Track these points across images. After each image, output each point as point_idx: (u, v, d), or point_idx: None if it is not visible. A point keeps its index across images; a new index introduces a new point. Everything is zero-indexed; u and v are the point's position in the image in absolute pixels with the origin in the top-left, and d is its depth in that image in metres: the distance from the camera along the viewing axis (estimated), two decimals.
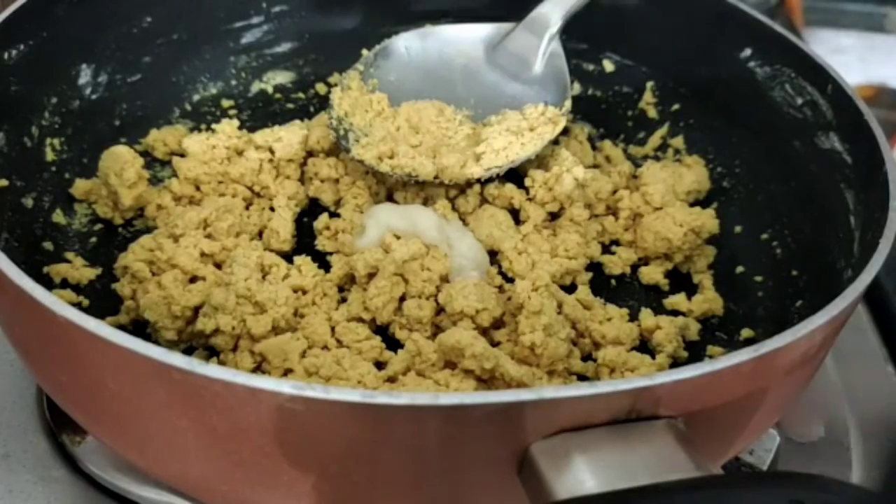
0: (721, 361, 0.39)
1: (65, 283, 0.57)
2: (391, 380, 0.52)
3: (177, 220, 0.57)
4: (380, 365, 0.54)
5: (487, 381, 0.51)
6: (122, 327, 0.51)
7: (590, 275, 0.61)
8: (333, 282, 0.58)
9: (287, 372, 0.52)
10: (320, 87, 0.74)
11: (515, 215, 0.63)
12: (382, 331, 0.56)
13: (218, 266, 0.57)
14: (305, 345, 0.53)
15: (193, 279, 0.56)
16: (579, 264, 0.61)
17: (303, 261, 0.58)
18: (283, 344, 0.51)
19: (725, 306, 0.60)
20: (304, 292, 0.56)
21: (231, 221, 0.59)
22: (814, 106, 0.60)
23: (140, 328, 0.55)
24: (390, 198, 0.64)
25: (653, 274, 0.62)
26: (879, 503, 0.36)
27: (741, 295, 0.61)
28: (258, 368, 0.52)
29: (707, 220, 0.61)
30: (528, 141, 0.63)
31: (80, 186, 0.62)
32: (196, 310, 0.54)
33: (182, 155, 0.65)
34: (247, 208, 0.63)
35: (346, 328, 0.54)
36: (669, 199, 0.63)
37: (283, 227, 0.60)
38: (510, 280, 0.59)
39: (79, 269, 0.58)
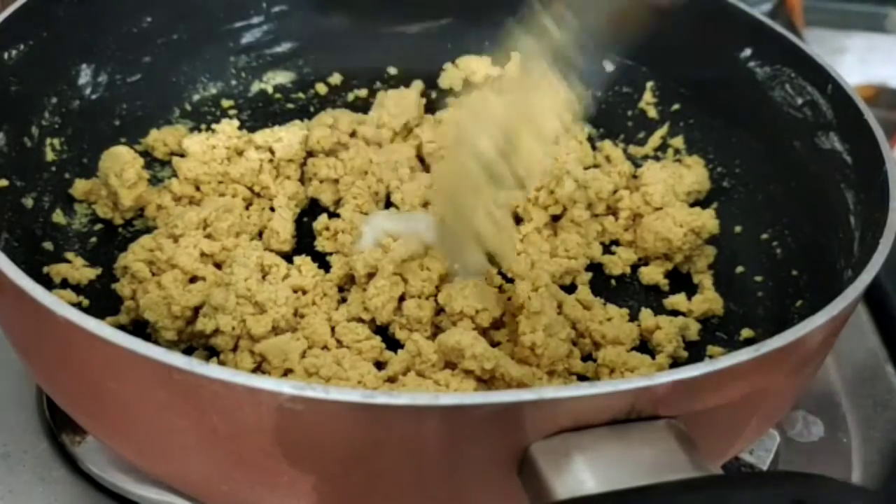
0: (721, 361, 0.39)
1: (65, 283, 0.57)
2: (391, 380, 0.52)
3: (176, 220, 0.57)
4: (380, 365, 0.54)
5: (488, 381, 0.51)
6: (122, 327, 0.51)
7: (590, 275, 0.61)
8: (333, 282, 0.58)
9: (287, 372, 0.51)
10: (320, 87, 0.74)
11: (515, 214, 0.63)
12: (382, 331, 0.56)
13: (218, 266, 0.57)
14: (305, 345, 0.53)
15: (193, 279, 0.56)
16: (579, 264, 0.61)
17: (303, 261, 0.58)
18: (283, 344, 0.51)
19: (725, 306, 0.60)
20: (304, 292, 0.56)
21: (231, 221, 0.59)
22: (814, 106, 0.60)
23: (140, 328, 0.55)
24: (388, 199, 0.65)
25: (653, 274, 0.62)
26: (879, 503, 0.36)
27: (741, 295, 0.61)
28: (258, 368, 0.52)
29: (707, 220, 0.61)
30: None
31: (80, 186, 0.62)
32: (196, 310, 0.54)
33: (182, 155, 0.65)
34: (247, 208, 0.63)
35: (347, 328, 0.54)
36: (669, 200, 0.63)
37: (283, 228, 0.60)
38: (510, 280, 0.59)
39: (79, 269, 0.58)
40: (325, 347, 0.53)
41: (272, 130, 0.66)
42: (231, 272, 0.54)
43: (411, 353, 0.52)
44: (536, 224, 0.62)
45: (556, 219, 0.63)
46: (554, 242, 0.61)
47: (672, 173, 0.66)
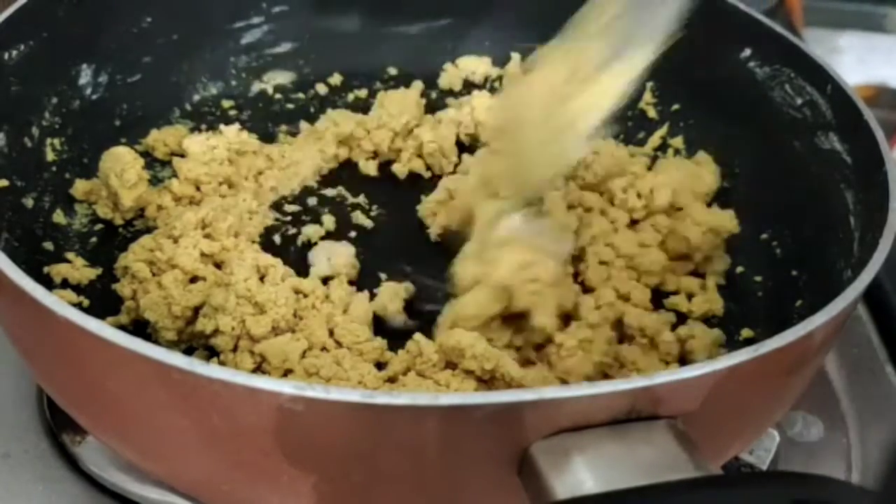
0: (721, 361, 0.39)
1: (65, 283, 0.57)
2: (391, 380, 0.52)
3: (175, 221, 0.57)
4: (381, 366, 0.54)
5: (488, 381, 0.51)
6: (122, 327, 0.51)
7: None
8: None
9: (287, 372, 0.51)
10: (320, 87, 0.74)
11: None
12: (384, 329, 0.56)
13: (218, 266, 0.57)
14: (306, 345, 0.53)
15: (194, 280, 0.56)
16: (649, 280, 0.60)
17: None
18: (283, 344, 0.51)
19: (725, 306, 0.60)
20: (305, 295, 0.55)
21: (230, 222, 0.58)
22: (814, 106, 0.60)
23: (140, 328, 0.55)
24: None
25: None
26: (879, 503, 0.36)
27: (741, 295, 0.61)
28: (258, 369, 0.52)
29: (726, 220, 0.61)
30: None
31: (80, 186, 0.62)
32: (196, 310, 0.54)
33: (182, 155, 0.65)
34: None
35: (346, 329, 0.54)
36: (688, 200, 0.63)
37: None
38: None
39: (79, 269, 0.57)
40: (323, 349, 0.53)
41: (287, 149, 0.66)
42: (231, 272, 0.54)
43: (412, 353, 0.52)
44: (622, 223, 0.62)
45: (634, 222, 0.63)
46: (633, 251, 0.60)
47: (689, 173, 0.65)
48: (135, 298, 0.55)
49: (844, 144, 0.58)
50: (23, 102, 0.59)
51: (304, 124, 0.70)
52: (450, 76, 0.75)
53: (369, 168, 0.68)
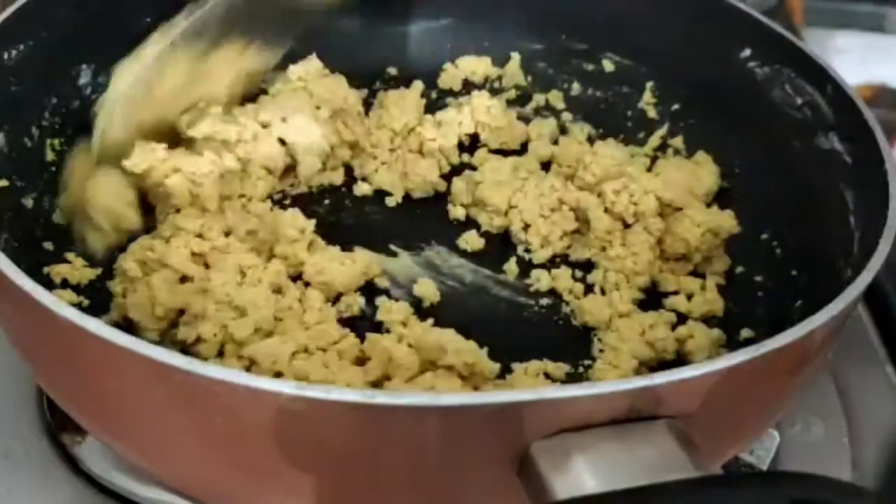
0: (721, 361, 0.39)
1: (65, 284, 0.57)
2: (376, 385, 0.50)
3: (167, 221, 0.57)
4: (362, 361, 0.52)
5: (467, 377, 0.50)
6: (119, 326, 0.51)
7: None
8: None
9: (277, 375, 0.51)
10: None
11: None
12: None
13: (209, 267, 0.56)
14: (294, 347, 0.51)
15: (186, 280, 0.55)
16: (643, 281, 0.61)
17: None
18: (272, 347, 0.50)
19: (725, 306, 0.60)
20: (283, 295, 0.55)
21: (223, 223, 0.58)
22: (814, 106, 0.60)
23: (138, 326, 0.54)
24: None
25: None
26: (879, 502, 0.36)
27: (741, 295, 0.61)
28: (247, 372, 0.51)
29: (725, 220, 0.61)
30: None
31: None
32: (180, 313, 0.53)
33: None
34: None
35: (319, 331, 0.52)
36: (688, 200, 0.63)
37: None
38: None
39: (79, 270, 0.57)
40: (306, 350, 0.52)
41: None
42: (209, 278, 0.53)
43: (382, 360, 0.50)
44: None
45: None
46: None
47: (689, 173, 0.65)
48: (125, 297, 0.55)
49: (844, 144, 0.58)
50: (23, 102, 0.59)
51: None
52: (450, 76, 0.75)
53: None
